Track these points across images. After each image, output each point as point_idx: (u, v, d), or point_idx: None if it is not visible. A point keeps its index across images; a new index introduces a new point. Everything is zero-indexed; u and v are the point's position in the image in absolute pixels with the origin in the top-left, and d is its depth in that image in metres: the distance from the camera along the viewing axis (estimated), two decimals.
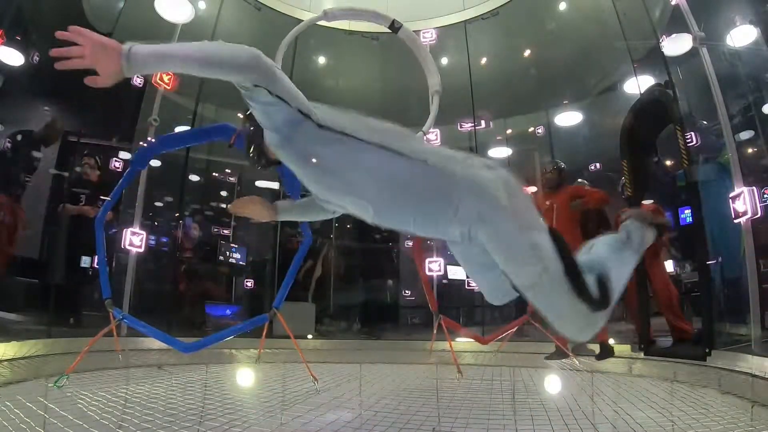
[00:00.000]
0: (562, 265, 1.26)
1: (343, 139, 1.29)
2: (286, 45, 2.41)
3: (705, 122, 4.93)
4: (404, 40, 2.51)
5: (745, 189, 3.69)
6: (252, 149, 1.47)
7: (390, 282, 7.46)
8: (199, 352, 2.58)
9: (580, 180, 5.16)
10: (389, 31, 2.49)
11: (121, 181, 2.46)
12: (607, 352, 4.09)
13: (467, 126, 6.99)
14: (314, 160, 1.31)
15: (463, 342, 4.93)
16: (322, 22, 2.93)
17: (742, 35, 4.48)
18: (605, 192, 4.32)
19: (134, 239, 4.79)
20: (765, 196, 3.76)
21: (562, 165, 4.42)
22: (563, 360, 4.02)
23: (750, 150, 4.61)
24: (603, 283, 1.36)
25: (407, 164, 1.28)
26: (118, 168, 5.63)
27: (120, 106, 5.94)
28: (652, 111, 4.08)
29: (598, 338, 4.06)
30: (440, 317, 2.74)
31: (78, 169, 4.98)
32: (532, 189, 5.66)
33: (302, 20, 6.42)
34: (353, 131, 1.30)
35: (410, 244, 7.69)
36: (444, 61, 7.46)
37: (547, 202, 4.31)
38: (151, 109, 5.32)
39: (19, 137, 4.30)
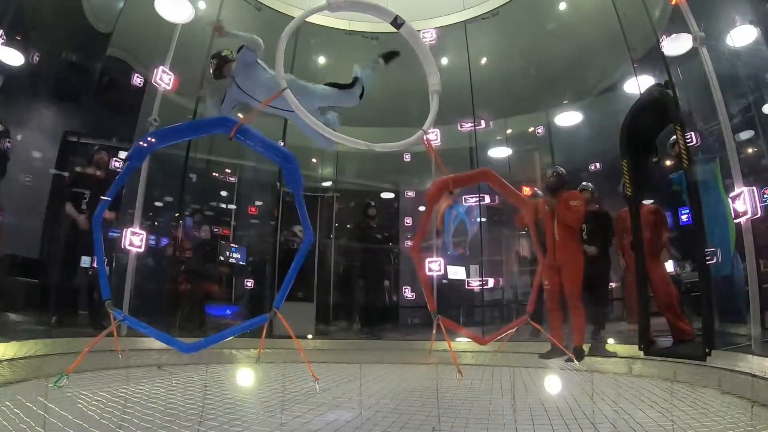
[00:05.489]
0: None
1: None
2: (288, 35, 2.33)
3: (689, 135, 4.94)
4: (406, 37, 2.48)
5: (745, 189, 3.68)
6: None
7: (387, 282, 7.44)
8: (199, 351, 2.58)
9: (584, 183, 5.19)
10: (391, 27, 2.46)
11: (117, 178, 2.42)
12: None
13: (467, 126, 6.99)
14: None
15: (463, 342, 4.93)
16: (322, 22, 2.90)
17: (742, 35, 4.48)
18: (581, 213, 4.35)
19: (134, 239, 4.78)
20: (765, 196, 3.75)
21: (562, 170, 4.62)
22: (564, 359, 4.01)
23: (750, 150, 4.61)
24: None
25: None
26: (118, 168, 5.62)
27: (120, 106, 5.93)
28: (652, 111, 4.07)
29: (574, 342, 4.11)
30: (438, 317, 2.73)
31: (79, 169, 4.93)
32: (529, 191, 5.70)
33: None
34: None
35: (410, 244, 7.69)
36: (444, 61, 7.45)
37: (547, 207, 4.46)
38: (151, 109, 5.31)
39: None
